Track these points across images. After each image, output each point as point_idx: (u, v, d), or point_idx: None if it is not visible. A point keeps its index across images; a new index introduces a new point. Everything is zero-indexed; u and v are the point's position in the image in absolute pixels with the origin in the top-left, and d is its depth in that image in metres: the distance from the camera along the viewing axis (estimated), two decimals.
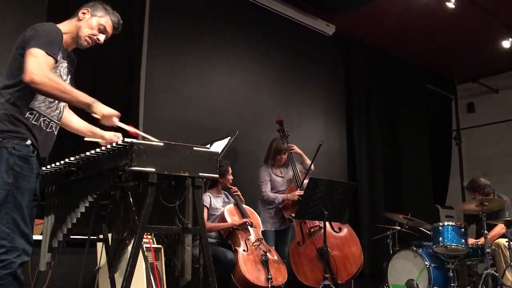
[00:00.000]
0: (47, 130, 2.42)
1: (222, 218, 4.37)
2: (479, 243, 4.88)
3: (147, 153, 2.22)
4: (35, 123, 2.34)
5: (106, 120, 2.35)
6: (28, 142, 2.30)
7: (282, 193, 4.81)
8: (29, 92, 2.29)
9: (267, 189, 4.77)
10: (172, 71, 4.97)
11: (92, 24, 2.52)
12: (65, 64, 2.47)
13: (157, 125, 4.67)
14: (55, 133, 2.50)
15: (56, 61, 2.33)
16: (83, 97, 2.30)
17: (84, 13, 2.54)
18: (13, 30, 3.76)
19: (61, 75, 2.43)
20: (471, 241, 4.97)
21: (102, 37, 2.56)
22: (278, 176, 4.90)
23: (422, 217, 5.50)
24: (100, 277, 3.28)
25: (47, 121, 2.41)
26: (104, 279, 3.19)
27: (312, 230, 4.67)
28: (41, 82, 2.19)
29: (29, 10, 4.02)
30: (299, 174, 4.88)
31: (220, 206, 4.44)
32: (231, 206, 4.47)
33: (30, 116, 2.33)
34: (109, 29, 2.58)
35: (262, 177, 4.82)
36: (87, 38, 2.52)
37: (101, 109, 2.32)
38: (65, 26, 2.53)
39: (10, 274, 2.15)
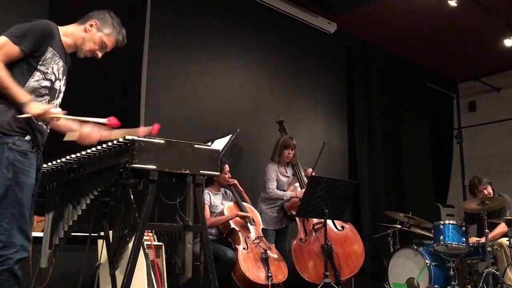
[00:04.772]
0: (39, 123, 2.37)
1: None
2: (481, 241, 4.87)
3: (148, 151, 2.22)
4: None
5: (42, 117, 2.26)
6: (28, 137, 2.29)
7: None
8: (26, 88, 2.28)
9: (273, 186, 4.74)
10: (173, 69, 4.96)
11: (96, 40, 2.55)
12: (61, 63, 2.45)
13: (158, 123, 4.66)
14: (47, 130, 2.46)
15: (24, 53, 2.26)
16: (20, 95, 2.22)
17: (91, 25, 2.54)
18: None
19: (54, 73, 2.40)
20: (473, 239, 4.96)
21: (101, 54, 2.61)
22: (284, 176, 4.86)
23: (423, 215, 5.50)
24: (101, 274, 3.29)
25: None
26: (105, 276, 3.20)
27: (315, 226, 4.66)
28: None
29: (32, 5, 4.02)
30: (303, 174, 4.87)
31: (219, 203, 4.44)
32: (230, 204, 4.47)
33: None
34: (111, 46, 2.62)
35: (268, 174, 4.78)
36: (87, 53, 2.56)
37: (33, 107, 2.21)
38: (70, 29, 2.55)
39: (7, 270, 2.15)
